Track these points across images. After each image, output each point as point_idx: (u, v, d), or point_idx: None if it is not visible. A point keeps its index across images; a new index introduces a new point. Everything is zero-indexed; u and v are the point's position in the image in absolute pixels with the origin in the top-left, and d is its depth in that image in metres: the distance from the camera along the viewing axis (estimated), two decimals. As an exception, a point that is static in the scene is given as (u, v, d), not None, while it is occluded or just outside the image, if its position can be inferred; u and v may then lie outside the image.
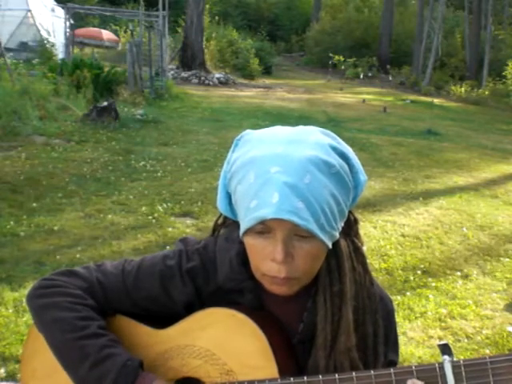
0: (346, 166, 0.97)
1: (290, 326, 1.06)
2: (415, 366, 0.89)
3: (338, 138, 1.01)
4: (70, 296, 1.03)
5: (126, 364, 0.97)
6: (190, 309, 1.06)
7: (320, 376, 0.93)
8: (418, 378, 0.88)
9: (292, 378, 0.94)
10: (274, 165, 0.91)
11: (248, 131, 1.03)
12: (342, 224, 0.99)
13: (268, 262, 0.95)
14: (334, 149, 0.96)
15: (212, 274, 1.06)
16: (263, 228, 0.93)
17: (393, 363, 1.09)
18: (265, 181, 0.91)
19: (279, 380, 0.95)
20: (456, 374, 0.87)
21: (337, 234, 0.97)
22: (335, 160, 0.95)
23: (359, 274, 1.03)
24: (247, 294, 1.04)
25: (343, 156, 0.97)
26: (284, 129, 1.00)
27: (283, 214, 0.89)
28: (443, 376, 0.88)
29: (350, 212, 1.03)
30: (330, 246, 0.96)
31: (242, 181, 0.94)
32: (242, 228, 0.96)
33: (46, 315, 1.03)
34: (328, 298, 1.00)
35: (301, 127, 1.02)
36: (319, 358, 0.99)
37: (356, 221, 1.07)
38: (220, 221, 1.11)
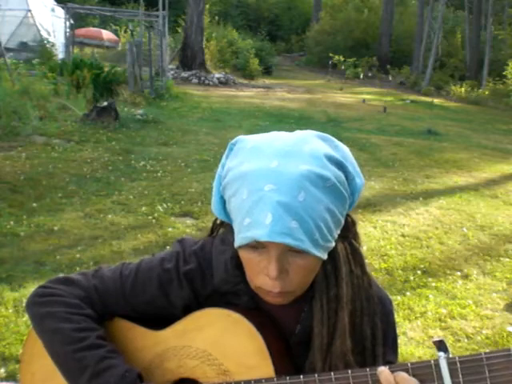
0: (341, 176, 0.94)
1: (286, 327, 1.06)
2: (411, 364, 0.89)
3: (334, 140, 0.98)
4: (67, 306, 1.03)
5: (125, 375, 0.97)
6: (187, 311, 1.06)
7: (316, 375, 0.93)
8: (414, 375, 0.88)
9: (288, 377, 0.94)
10: (267, 182, 0.88)
11: (242, 138, 0.99)
12: (339, 232, 0.97)
13: (263, 276, 0.94)
14: (330, 158, 0.93)
15: (209, 276, 1.05)
16: (257, 244, 0.91)
17: (390, 363, 1.08)
18: (258, 199, 0.88)
19: (275, 379, 0.95)
20: (452, 371, 0.86)
21: (332, 245, 0.95)
22: (330, 172, 0.91)
23: (357, 276, 1.02)
24: (243, 296, 1.04)
25: (339, 165, 0.94)
26: (278, 137, 0.96)
27: (276, 237, 0.87)
28: (439, 372, 0.87)
29: (347, 215, 1.01)
30: (325, 257, 0.95)
31: (236, 194, 0.92)
32: (236, 242, 0.94)
33: (44, 325, 1.03)
34: (325, 303, 1.00)
35: (296, 134, 0.98)
36: (316, 361, 1.00)
37: (354, 222, 1.05)
38: (219, 220, 1.10)
